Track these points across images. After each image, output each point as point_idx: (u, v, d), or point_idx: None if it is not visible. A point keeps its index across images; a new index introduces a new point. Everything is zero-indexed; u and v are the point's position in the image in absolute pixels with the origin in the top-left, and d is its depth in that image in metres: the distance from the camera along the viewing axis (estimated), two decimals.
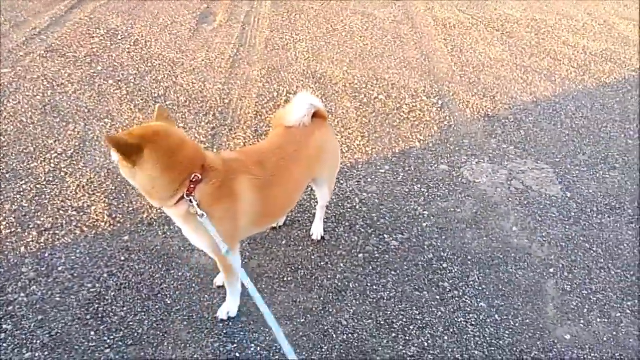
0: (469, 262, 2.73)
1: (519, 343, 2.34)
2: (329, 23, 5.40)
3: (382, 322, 2.39)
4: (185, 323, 2.33)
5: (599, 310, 2.51)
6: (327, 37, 5.08)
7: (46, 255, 2.61)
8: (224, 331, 2.30)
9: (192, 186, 1.88)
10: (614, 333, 2.41)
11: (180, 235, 2.77)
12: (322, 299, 2.48)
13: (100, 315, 2.34)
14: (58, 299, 2.40)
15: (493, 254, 2.79)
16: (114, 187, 3.06)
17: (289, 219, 2.90)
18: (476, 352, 2.28)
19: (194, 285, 2.51)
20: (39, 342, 2.21)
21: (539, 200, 3.18)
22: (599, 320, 2.47)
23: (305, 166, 2.29)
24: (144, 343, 2.24)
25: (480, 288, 2.59)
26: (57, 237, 2.72)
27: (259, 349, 2.24)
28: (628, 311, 2.51)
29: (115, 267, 2.58)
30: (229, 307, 2.34)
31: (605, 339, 2.38)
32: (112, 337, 2.25)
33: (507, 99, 4.25)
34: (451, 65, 4.70)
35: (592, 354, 2.31)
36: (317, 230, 2.80)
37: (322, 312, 2.42)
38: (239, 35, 5.00)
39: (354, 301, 2.48)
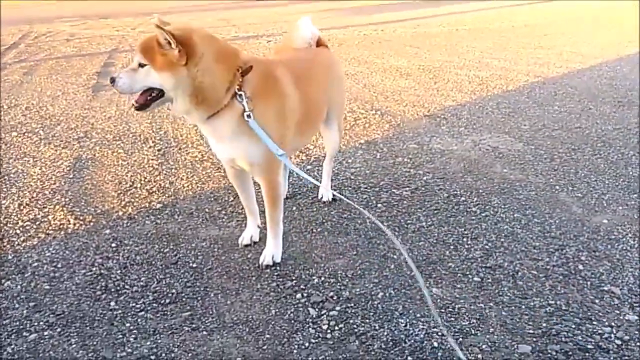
0: (483, 194, 2.90)
1: (568, 232, 2.50)
2: None
3: (434, 242, 2.40)
4: (225, 277, 2.11)
5: (615, 203, 2.81)
6: None
7: (10, 257, 2.23)
8: (275, 274, 2.12)
9: (241, 80, 1.89)
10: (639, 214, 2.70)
11: (177, 219, 2.57)
12: (362, 237, 2.43)
13: (113, 290, 2.03)
14: (47, 287, 2.05)
15: (499, 185, 3.01)
16: (67, 200, 2.79)
17: (288, 192, 2.86)
18: (536, 244, 2.38)
19: (215, 250, 2.31)
20: (42, 323, 1.87)
21: (511, 153, 3.55)
22: (620, 208, 2.75)
23: (322, 75, 2.44)
24: (185, 299, 1.96)
25: (506, 207, 2.75)
26: (15, 243, 2.36)
27: (322, 278, 2.09)
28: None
29: (109, 252, 2.29)
30: (273, 251, 2.19)
31: (635, 217, 2.65)
32: (141, 302, 1.95)
33: (436, 105, 4.81)
34: (372, 94, 5.21)
35: (631, 228, 2.55)
36: (326, 191, 2.79)
37: (369, 245, 2.37)
38: None
39: (396, 233, 2.47)
